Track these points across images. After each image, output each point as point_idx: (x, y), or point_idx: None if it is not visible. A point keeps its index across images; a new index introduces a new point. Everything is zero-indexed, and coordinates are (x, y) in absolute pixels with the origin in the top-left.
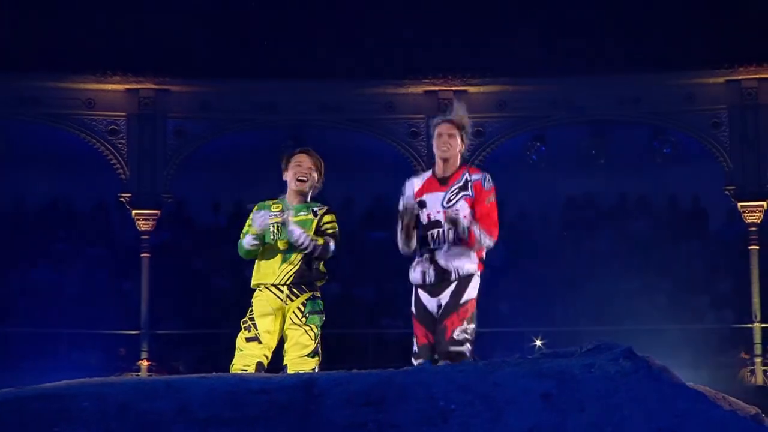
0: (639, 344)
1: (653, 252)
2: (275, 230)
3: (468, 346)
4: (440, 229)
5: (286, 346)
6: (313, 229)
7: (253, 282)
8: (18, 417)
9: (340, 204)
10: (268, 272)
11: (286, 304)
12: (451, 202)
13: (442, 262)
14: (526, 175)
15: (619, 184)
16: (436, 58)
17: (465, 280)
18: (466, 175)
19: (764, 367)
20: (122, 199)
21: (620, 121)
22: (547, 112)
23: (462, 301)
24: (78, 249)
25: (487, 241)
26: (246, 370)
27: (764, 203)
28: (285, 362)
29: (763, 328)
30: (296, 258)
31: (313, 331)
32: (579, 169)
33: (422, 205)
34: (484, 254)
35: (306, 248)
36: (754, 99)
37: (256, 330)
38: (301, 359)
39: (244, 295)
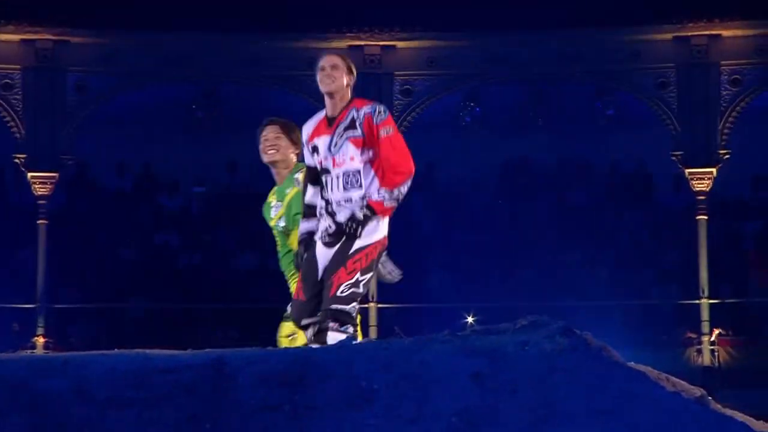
0: (578, 321)
1: (595, 222)
2: (279, 226)
3: (355, 305)
4: (330, 177)
5: None
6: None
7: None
8: None
9: (256, 166)
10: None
11: None
12: (337, 147)
13: (338, 217)
14: (459, 138)
15: (559, 149)
16: (360, 11)
17: (356, 227)
18: (353, 112)
19: (711, 347)
20: (17, 161)
21: (560, 80)
22: (481, 70)
23: (352, 250)
24: None
25: (396, 192)
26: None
27: (713, 170)
28: None
29: (711, 304)
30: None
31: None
32: (516, 132)
33: (315, 149)
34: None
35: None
36: (704, 57)
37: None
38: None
39: (152, 265)
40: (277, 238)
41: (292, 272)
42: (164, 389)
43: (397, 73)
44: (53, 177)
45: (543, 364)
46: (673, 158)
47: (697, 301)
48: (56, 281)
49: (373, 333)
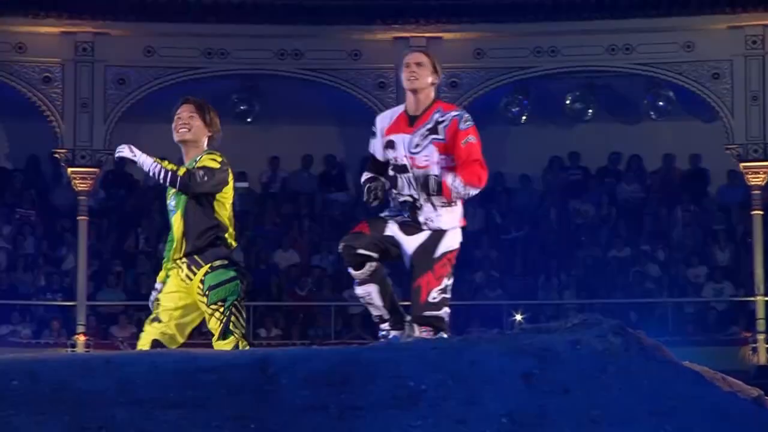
0: (629, 319)
1: (646, 218)
2: (170, 204)
3: (446, 309)
4: (408, 175)
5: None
6: None
7: (166, 258)
8: None
9: (299, 162)
10: (174, 248)
11: (187, 282)
12: (419, 148)
13: (420, 218)
14: (506, 132)
15: (609, 142)
16: (407, 2)
17: (438, 233)
18: (437, 115)
19: (767, 345)
20: (57, 156)
21: (611, 72)
22: (529, 62)
23: (437, 255)
24: (6, 210)
25: (469, 190)
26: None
27: None
28: None
29: (766, 302)
30: (181, 225)
31: (219, 311)
32: (565, 125)
33: (390, 145)
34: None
35: (160, 178)
36: (760, 47)
37: (158, 310)
38: (215, 343)
39: None
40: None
41: (171, 267)
42: (209, 389)
43: (443, 65)
44: (93, 172)
45: (595, 364)
46: (728, 152)
47: (752, 299)
48: (97, 278)
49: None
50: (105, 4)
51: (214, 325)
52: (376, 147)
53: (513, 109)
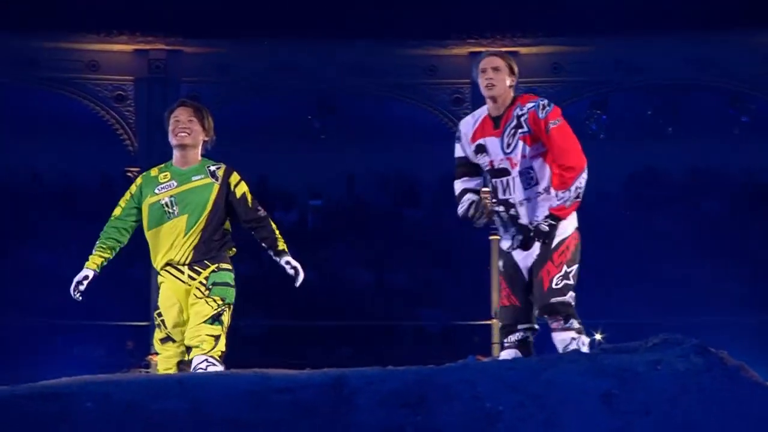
0: (710, 338)
1: (728, 234)
2: (168, 207)
3: (572, 293)
4: (508, 178)
5: (189, 325)
6: (215, 194)
7: (154, 264)
8: (13, 419)
9: (374, 179)
10: (167, 252)
11: (189, 285)
12: (511, 147)
13: (523, 220)
14: (584, 147)
15: (690, 158)
16: (483, 16)
17: (545, 238)
18: (517, 110)
19: None
20: (129, 174)
21: (691, 87)
22: (608, 76)
23: (554, 244)
24: (79, 229)
25: (574, 189)
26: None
27: None
28: (185, 340)
29: None
30: (194, 234)
31: (215, 302)
32: (644, 141)
33: (482, 149)
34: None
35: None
36: None
37: (166, 328)
38: (196, 327)
39: (267, 282)
40: (128, 209)
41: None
42: (282, 410)
43: (519, 80)
44: None
45: (677, 385)
46: None
47: None
48: None
49: (496, 351)
50: (178, 21)
51: (205, 310)
52: (465, 151)
53: (591, 125)
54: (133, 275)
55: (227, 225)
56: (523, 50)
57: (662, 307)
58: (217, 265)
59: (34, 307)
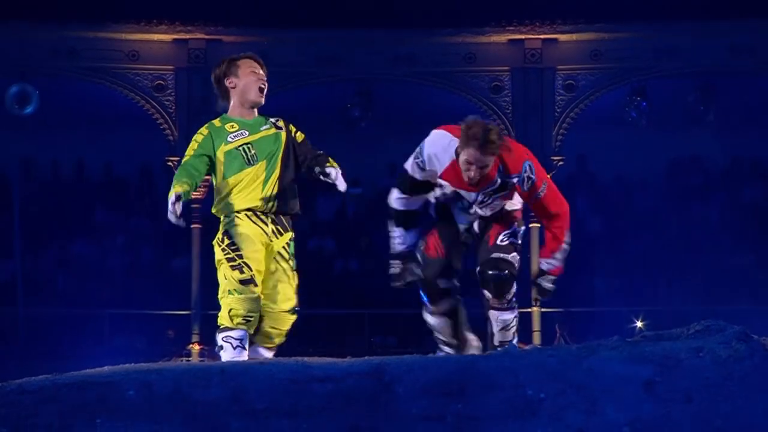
0: (753, 326)
1: None
2: (247, 152)
3: (516, 255)
4: (472, 210)
5: (267, 293)
6: (284, 141)
7: (226, 209)
8: (56, 407)
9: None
10: (249, 197)
11: (272, 241)
12: (486, 203)
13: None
14: (625, 135)
15: (732, 146)
16: (521, 3)
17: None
18: (500, 175)
19: None
20: (170, 164)
21: (732, 73)
22: (648, 63)
23: (503, 213)
24: (121, 220)
25: (565, 247)
26: (251, 319)
27: None
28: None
29: None
30: (273, 180)
31: (295, 279)
32: (685, 128)
33: (452, 191)
34: None
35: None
36: None
37: (250, 270)
38: (284, 316)
39: (307, 271)
40: (199, 156)
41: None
42: (324, 398)
43: (559, 67)
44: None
45: (719, 372)
46: None
47: None
48: (211, 287)
49: (536, 339)
50: (217, 11)
51: (290, 295)
52: (425, 176)
53: (632, 112)
54: (174, 266)
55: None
56: (562, 37)
57: (705, 295)
58: (292, 234)
59: (78, 296)
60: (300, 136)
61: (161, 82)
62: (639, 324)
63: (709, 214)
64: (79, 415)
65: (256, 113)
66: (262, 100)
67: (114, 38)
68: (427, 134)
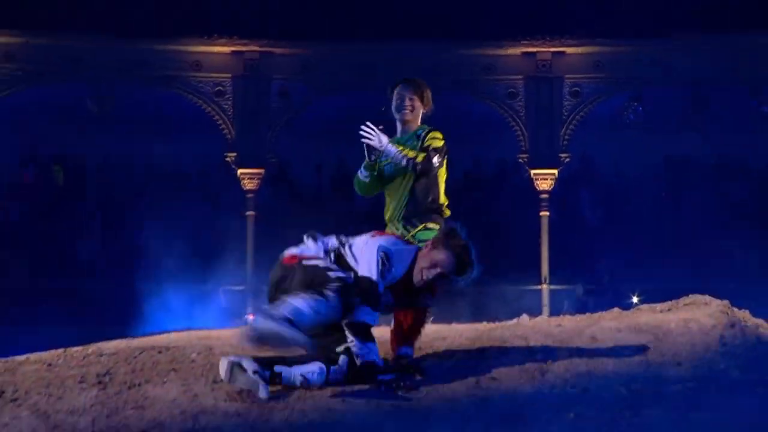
0: (737, 300)
1: (754, 216)
2: (389, 169)
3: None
4: None
5: None
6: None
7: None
8: (129, 367)
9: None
10: (389, 209)
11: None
12: None
13: None
14: (624, 135)
15: (719, 146)
16: (534, 20)
17: None
18: None
19: None
20: (228, 159)
21: (720, 82)
22: (643, 73)
23: None
24: (186, 209)
25: None
26: None
27: None
28: None
29: None
30: (404, 192)
31: None
32: (676, 131)
33: None
34: None
35: (402, 164)
36: None
37: None
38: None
39: None
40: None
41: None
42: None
43: (566, 76)
44: (259, 173)
45: (704, 340)
46: None
47: None
48: (263, 264)
49: (545, 312)
50: (270, 26)
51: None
52: None
53: (630, 116)
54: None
55: (440, 188)
56: (569, 50)
57: (693, 274)
58: (425, 224)
59: (149, 272)
60: (427, 142)
61: (221, 88)
62: (635, 299)
63: (698, 205)
64: (150, 374)
65: (414, 128)
66: (405, 118)
67: (180, 50)
68: (451, 135)
